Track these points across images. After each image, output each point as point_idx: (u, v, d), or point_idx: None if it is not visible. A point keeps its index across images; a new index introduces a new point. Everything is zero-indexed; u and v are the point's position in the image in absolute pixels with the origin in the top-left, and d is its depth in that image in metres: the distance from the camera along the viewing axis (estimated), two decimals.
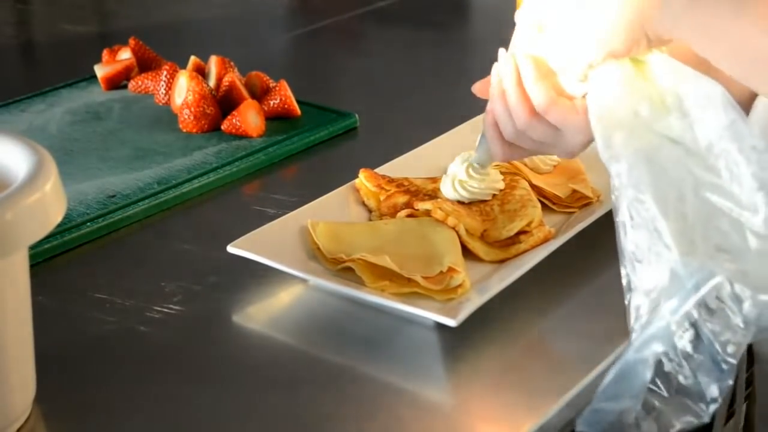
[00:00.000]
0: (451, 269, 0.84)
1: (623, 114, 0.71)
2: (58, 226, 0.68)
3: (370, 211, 0.97)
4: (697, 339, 0.65)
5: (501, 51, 0.80)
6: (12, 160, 0.68)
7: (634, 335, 0.66)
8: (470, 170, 0.94)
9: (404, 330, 0.82)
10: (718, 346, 0.64)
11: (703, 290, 0.63)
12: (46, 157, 0.68)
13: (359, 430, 0.72)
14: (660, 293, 0.65)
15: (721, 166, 0.67)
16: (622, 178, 0.68)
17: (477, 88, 0.86)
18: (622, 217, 0.68)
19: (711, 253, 0.65)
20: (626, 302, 0.68)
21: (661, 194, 0.67)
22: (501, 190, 0.95)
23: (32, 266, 0.71)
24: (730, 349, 0.64)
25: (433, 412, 0.75)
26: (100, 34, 1.66)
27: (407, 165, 1.02)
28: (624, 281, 0.68)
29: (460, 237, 0.90)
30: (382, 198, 0.96)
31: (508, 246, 0.91)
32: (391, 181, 0.98)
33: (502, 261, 0.90)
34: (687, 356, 0.64)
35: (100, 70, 1.29)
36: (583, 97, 0.77)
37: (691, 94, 0.70)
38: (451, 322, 0.78)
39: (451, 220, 0.90)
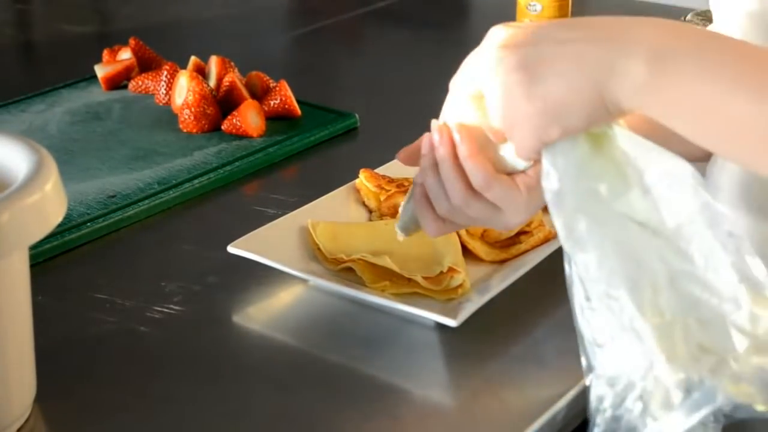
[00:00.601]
0: (451, 269, 0.84)
1: (584, 196, 0.63)
2: (58, 226, 0.68)
3: (370, 211, 0.97)
4: None
5: (433, 122, 0.73)
6: (12, 160, 0.68)
7: (596, 429, 0.61)
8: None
9: (404, 330, 0.82)
10: None
11: (704, 411, 0.58)
12: (46, 157, 0.68)
13: (359, 430, 0.72)
14: (626, 387, 0.60)
15: (694, 251, 0.61)
16: (590, 270, 0.61)
17: (403, 156, 0.77)
18: (578, 300, 0.62)
19: (694, 353, 0.59)
20: (586, 383, 0.63)
21: (636, 289, 0.60)
22: None
23: (32, 266, 0.71)
24: None
25: (433, 412, 0.75)
26: (100, 34, 1.65)
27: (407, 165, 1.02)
28: (583, 363, 0.62)
29: (460, 237, 0.90)
30: (382, 198, 0.96)
31: (508, 246, 0.91)
32: (391, 181, 0.98)
33: (502, 261, 0.90)
34: None
35: (101, 70, 1.29)
36: (525, 171, 0.70)
37: (655, 171, 0.63)
38: (452, 322, 0.78)
39: None
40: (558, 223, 0.63)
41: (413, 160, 0.75)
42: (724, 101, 0.60)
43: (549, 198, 0.63)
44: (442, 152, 0.71)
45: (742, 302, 0.60)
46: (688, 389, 0.59)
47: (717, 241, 0.61)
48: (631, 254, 0.61)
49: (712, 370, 0.59)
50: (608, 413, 0.61)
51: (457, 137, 0.70)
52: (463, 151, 0.70)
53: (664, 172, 0.63)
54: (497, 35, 0.65)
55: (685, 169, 0.62)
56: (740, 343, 0.59)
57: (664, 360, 0.59)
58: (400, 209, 0.80)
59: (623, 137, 0.64)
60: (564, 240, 0.62)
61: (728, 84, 0.60)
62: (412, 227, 0.79)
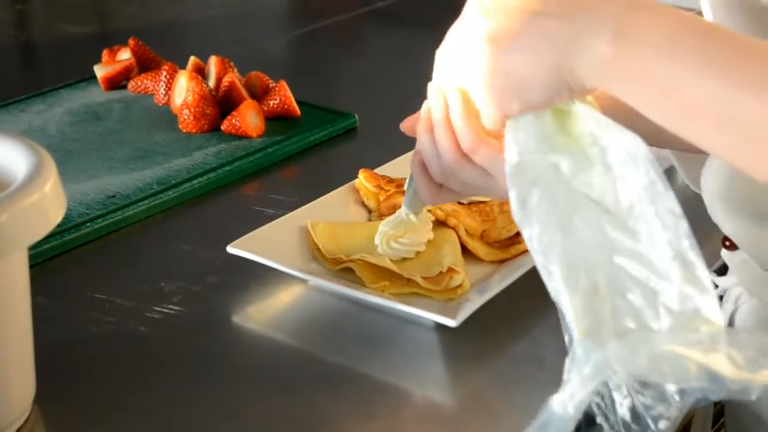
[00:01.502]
0: (450, 269, 0.84)
1: (541, 170, 0.63)
2: (58, 226, 0.68)
3: (369, 211, 0.97)
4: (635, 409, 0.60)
5: (430, 84, 0.73)
6: (12, 160, 0.68)
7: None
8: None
9: (404, 330, 0.82)
10: (650, 422, 0.59)
11: (597, 382, 0.59)
12: (46, 157, 0.68)
13: (358, 430, 0.72)
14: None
15: (641, 229, 0.61)
16: (532, 242, 0.62)
17: (406, 126, 0.79)
18: None
19: (619, 330, 0.60)
20: None
21: (572, 263, 0.61)
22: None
23: (32, 266, 0.71)
24: (662, 424, 0.59)
25: (433, 412, 0.75)
26: (100, 34, 1.66)
27: (407, 165, 1.02)
28: (566, 341, 0.63)
29: (460, 237, 0.90)
30: (381, 198, 0.96)
31: (508, 246, 0.91)
32: (390, 181, 0.98)
33: (502, 261, 0.90)
34: (627, 427, 0.60)
35: (100, 71, 1.29)
36: None
37: (614, 148, 0.63)
38: (451, 323, 0.78)
39: (451, 221, 0.90)
40: (512, 194, 0.63)
41: (415, 129, 0.77)
42: (685, 82, 0.59)
43: (507, 170, 0.64)
44: (437, 114, 0.72)
45: (673, 279, 0.60)
46: (595, 368, 0.59)
47: (657, 218, 0.61)
48: (576, 231, 0.62)
49: (632, 347, 0.59)
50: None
51: (450, 98, 0.71)
52: (454, 111, 0.71)
53: (622, 150, 0.63)
54: (476, 4, 0.66)
55: (639, 146, 0.62)
56: (665, 321, 0.60)
57: (579, 334, 0.60)
58: (405, 187, 0.82)
59: (586, 115, 0.65)
60: (515, 212, 0.63)
61: (690, 65, 0.59)
62: (416, 202, 0.81)
